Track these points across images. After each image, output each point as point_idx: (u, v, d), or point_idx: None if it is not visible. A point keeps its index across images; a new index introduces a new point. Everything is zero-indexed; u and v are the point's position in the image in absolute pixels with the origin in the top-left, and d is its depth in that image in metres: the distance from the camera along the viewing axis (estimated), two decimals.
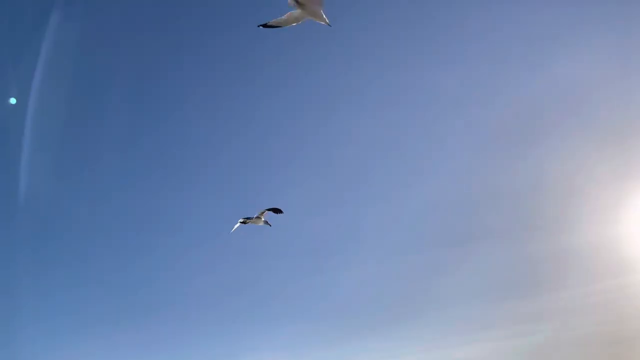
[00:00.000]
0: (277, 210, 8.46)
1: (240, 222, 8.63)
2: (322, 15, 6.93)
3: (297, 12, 6.87)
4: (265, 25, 7.01)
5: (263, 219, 8.63)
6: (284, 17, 6.99)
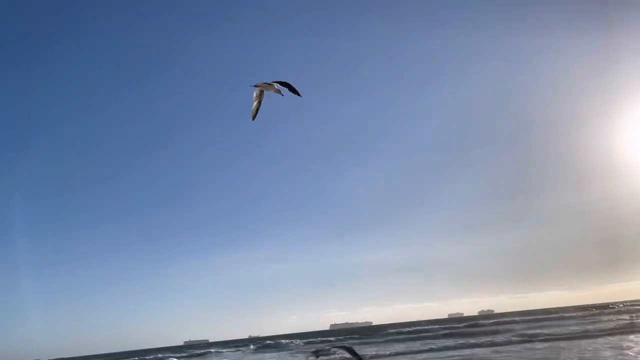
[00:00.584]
0: (292, 89, 8.02)
1: (253, 86, 8.54)
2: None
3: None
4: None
5: (276, 87, 8.47)
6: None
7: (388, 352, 38.63)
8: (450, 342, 43.33)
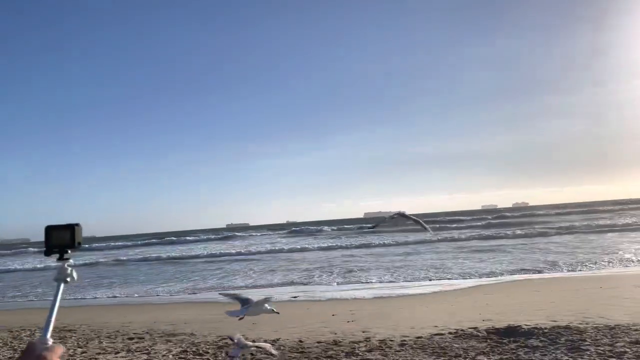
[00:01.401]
0: None
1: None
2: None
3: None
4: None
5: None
6: None
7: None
8: (476, 232, 44.19)
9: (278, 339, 9.94)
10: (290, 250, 38.83)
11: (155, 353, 9.32)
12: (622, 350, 7.50)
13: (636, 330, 8.67)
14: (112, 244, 64.33)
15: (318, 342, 9.46)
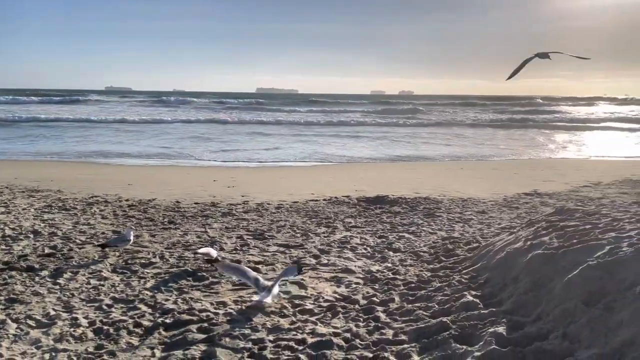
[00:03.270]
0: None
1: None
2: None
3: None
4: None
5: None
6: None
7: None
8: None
9: (154, 199, 9.77)
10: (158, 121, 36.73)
11: (15, 207, 8.66)
12: (470, 217, 8.54)
13: (484, 202, 9.88)
14: None
15: (196, 203, 9.47)
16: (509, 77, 6.51)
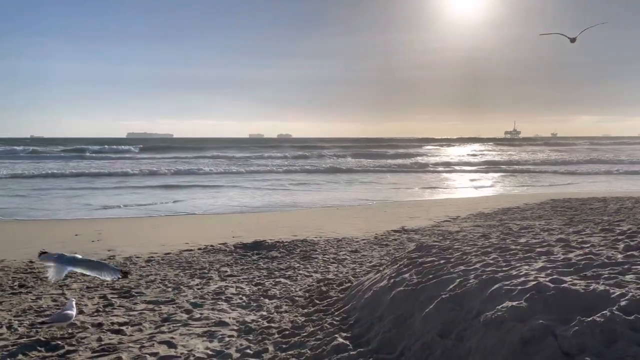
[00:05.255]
0: None
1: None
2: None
3: None
4: None
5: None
6: None
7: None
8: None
9: (2, 260, 8.65)
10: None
11: None
12: (344, 257, 8.83)
13: (357, 242, 10.31)
14: None
15: None
16: (542, 34, 9.57)
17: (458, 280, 4.38)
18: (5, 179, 27.74)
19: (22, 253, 9.27)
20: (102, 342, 5.04)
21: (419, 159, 49.79)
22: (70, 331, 5.32)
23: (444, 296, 4.12)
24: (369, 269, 7.43)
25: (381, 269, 6.17)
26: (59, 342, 5.02)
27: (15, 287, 7.11)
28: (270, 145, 76.58)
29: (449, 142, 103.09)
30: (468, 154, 59.76)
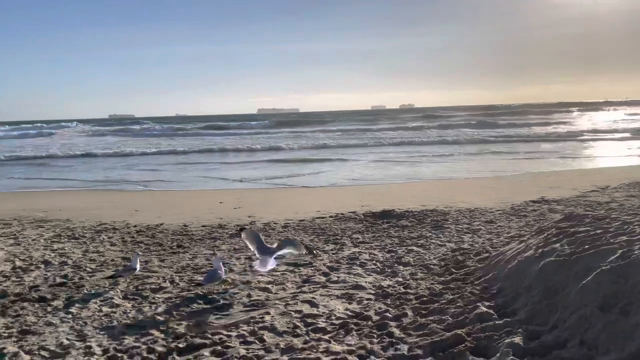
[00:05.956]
0: None
1: None
2: None
3: None
4: None
5: None
6: None
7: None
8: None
9: (161, 224, 9.79)
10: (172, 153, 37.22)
11: (25, 238, 8.71)
12: (478, 227, 8.50)
13: (491, 212, 9.85)
14: None
15: (203, 226, 9.49)
16: None
17: (620, 251, 3.97)
18: (151, 155, 31.05)
19: (176, 218, 10.40)
20: (252, 298, 5.50)
21: (557, 127, 45.56)
22: (223, 287, 5.87)
23: (604, 268, 3.77)
24: (508, 240, 7.06)
25: (524, 239, 5.83)
26: (215, 296, 5.58)
27: (174, 247, 8.01)
28: (391, 116, 75.71)
29: (594, 106, 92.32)
30: (617, 120, 53.13)
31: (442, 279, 5.68)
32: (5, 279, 6.37)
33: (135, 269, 6.24)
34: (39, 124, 68.86)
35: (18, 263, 7.06)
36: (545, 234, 5.18)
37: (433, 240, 7.71)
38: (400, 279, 5.88)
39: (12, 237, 8.82)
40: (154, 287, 5.95)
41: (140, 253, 6.82)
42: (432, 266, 6.30)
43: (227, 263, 6.84)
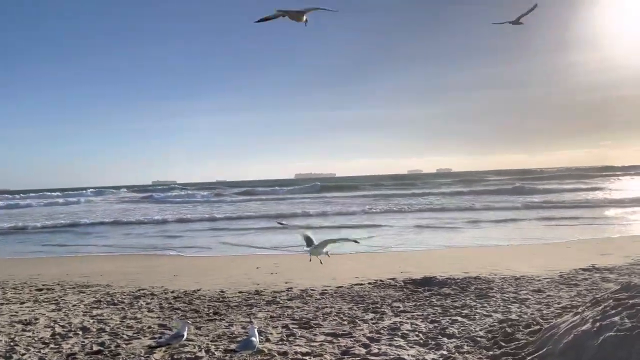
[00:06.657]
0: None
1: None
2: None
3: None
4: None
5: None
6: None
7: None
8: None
9: (199, 290, 9.76)
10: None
11: (65, 303, 8.82)
12: (525, 296, 8.06)
13: (539, 280, 9.37)
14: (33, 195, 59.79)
15: (240, 292, 9.39)
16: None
17: None
18: (189, 223, 31.61)
19: (214, 283, 10.36)
20: None
21: (602, 192, 44.00)
22: (259, 357, 5.69)
23: None
24: (560, 310, 6.63)
25: (579, 311, 5.45)
26: None
27: (211, 314, 7.91)
28: (427, 180, 75.37)
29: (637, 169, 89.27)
30: None
31: (491, 352, 5.33)
32: (44, 345, 6.40)
33: (183, 336, 6.16)
34: (86, 190, 71.83)
35: (57, 329, 7.10)
36: (602, 306, 4.83)
37: (478, 310, 7.34)
38: (445, 352, 5.55)
39: (54, 302, 8.95)
40: (189, 356, 5.83)
41: (189, 322, 6.74)
42: (478, 338, 5.94)
43: (263, 332, 6.67)
